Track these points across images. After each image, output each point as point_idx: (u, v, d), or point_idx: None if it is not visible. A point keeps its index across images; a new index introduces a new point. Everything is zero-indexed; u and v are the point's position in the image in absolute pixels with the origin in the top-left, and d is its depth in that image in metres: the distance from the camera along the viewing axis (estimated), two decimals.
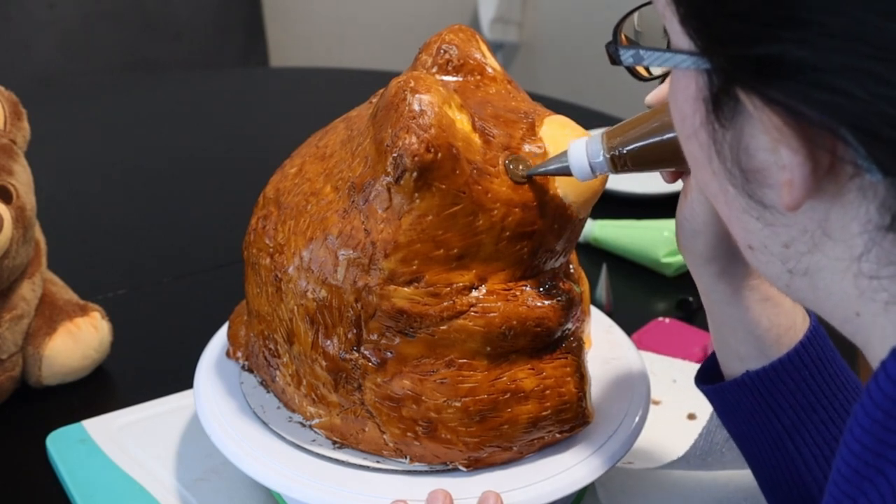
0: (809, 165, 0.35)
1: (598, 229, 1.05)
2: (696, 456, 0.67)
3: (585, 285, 0.68)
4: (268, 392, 0.65)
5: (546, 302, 0.58)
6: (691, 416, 0.78)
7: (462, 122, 0.55)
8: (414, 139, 0.53)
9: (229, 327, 0.69)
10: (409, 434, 0.59)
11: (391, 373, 0.58)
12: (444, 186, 0.54)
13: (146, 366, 0.88)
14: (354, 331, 0.57)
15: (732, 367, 0.57)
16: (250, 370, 0.67)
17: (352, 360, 0.58)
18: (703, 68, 0.37)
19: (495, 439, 0.58)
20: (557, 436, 0.60)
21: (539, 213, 0.57)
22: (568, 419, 0.60)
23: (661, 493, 0.69)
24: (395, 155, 0.53)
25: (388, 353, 0.57)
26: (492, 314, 0.57)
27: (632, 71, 0.52)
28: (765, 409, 0.55)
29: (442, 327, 0.56)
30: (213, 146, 1.37)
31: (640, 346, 0.87)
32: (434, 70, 0.62)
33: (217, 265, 1.04)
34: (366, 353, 0.58)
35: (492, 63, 0.63)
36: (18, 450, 0.77)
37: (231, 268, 1.02)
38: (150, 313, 0.96)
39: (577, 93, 2.10)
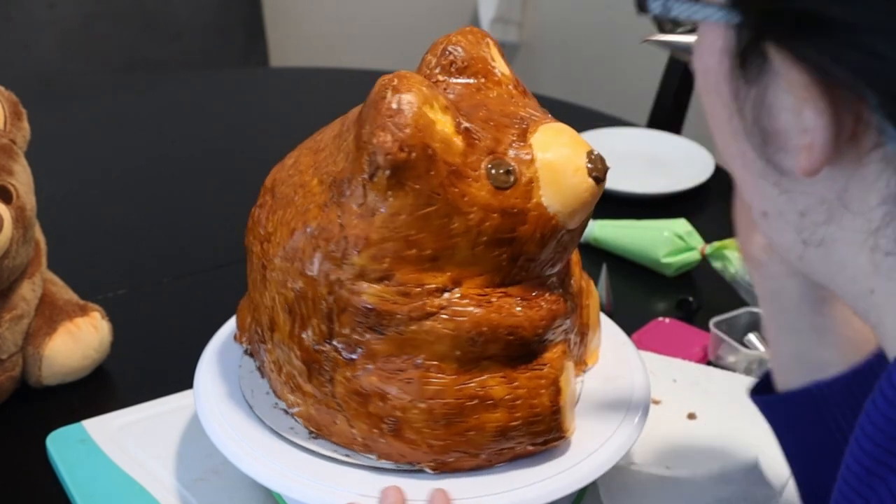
0: (832, 129, 0.34)
1: (598, 229, 1.05)
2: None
3: (592, 298, 0.68)
4: (262, 378, 0.66)
5: (523, 311, 0.58)
6: (691, 416, 0.78)
7: (443, 123, 0.55)
8: (389, 137, 0.53)
9: (238, 311, 0.70)
10: (374, 430, 0.59)
11: (360, 368, 0.58)
12: (417, 186, 0.54)
13: (146, 366, 0.88)
14: (327, 323, 0.58)
15: (800, 378, 0.53)
16: (251, 354, 0.68)
17: (324, 353, 0.59)
18: (734, 22, 0.36)
19: (461, 445, 0.58)
20: (529, 448, 0.59)
21: (519, 221, 0.56)
22: (540, 432, 0.59)
23: (661, 493, 0.69)
24: (370, 152, 0.54)
25: (359, 349, 0.58)
26: (462, 318, 0.57)
27: (658, 22, 0.51)
28: (831, 421, 0.51)
29: (411, 327, 0.57)
30: (212, 146, 1.37)
31: (640, 346, 0.87)
32: (437, 70, 0.62)
33: (217, 265, 1.04)
34: (337, 346, 0.58)
35: (500, 66, 0.63)
36: (18, 450, 0.77)
37: (231, 268, 1.02)
38: (150, 313, 0.96)
39: (577, 93, 2.10)
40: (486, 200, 0.56)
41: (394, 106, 0.54)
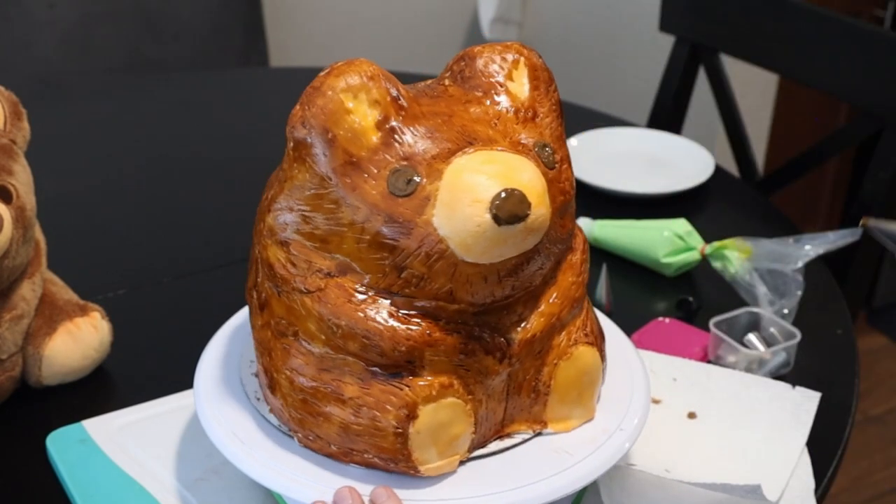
0: None
1: (597, 229, 1.05)
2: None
3: (572, 365, 0.62)
4: None
5: (388, 322, 0.57)
6: (691, 415, 0.78)
7: (363, 115, 0.56)
8: (298, 112, 0.56)
9: None
10: (263, 381, 0.62)
11: (265, 320, 0.61)
12: (314, 167, 0.57)
13: (146, 366, 0.88)
14: (255, 270, 0.62)
15: None
16: None
17: (251, 297, 0.63)
18: None
19: (314, 427, 0.59)
20: (377, 461, 0.59)
21: (403, 232, 0.55)
22: (385, 449, 0.58)
23: (661, 493, 0.69)
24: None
25: (266, 302, 0.61)
26: (328, 304, 0.58)
27: None
28: None
29: (294, 297, 0.59)
30: (212, 146, 1.37)
31: (640, 345, 0.87)
32: (447, 74, 0.63)
33: (217, 265, 1.04)
34: (258, 293, 0.62)
35: (517, 89, 0.61)
36: (18, 450, 0.77)
37: (231, 268, 1.02)
38: (150, 313, 0.96)
39: (577, 93, 2.10)
40: (374, 200, 0.56)
41: (316, 85, 0.56)
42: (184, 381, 0.72)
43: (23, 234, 0.78)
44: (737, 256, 0.94)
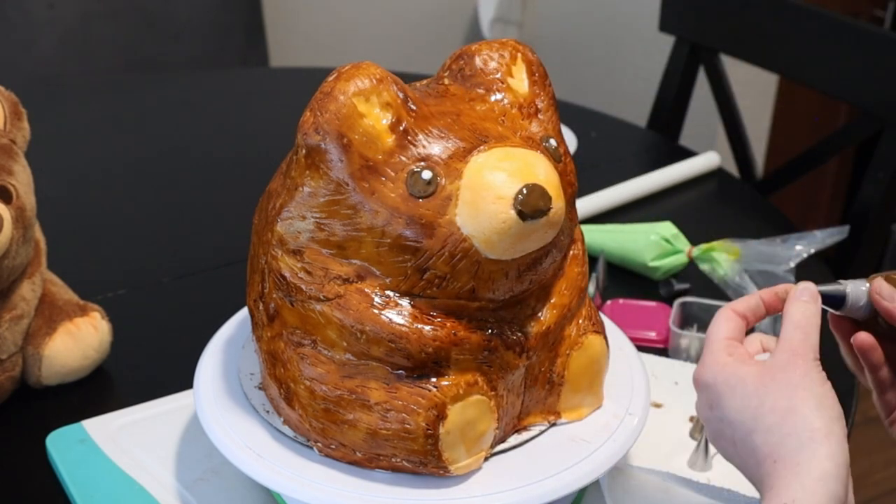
0: None
1: (583, 234, 1.04)
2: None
3: (583, 354, 0.63)
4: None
5: (412, 323, 0.57)
6: (693, 419, 0.78)
7: (376, 118, 0.56)
8: (310, 119, 0.56)
9: None
10: (277, 393, 0.61)
11: (276, 331, 0.61)
12: (329, 172, 0.56)
13: (146, 366, 0.88)
14: (261, 281, 0.61)
15: None
16: None
17: (258, 309, 0.62)
18: None
19: (338, 435, 0.59)
20: (406, 465, 0.59)
21: (425, 233, 0.55)
22: (415, 451, 0.58)
23: (664, 496, 0.69)
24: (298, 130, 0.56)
25: (277, 313, 0.60)
26: (350, 310, 0.57)
27: None
28: None
29: (310, 306, 0.58)
30: (213, 146, 1.37)
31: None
32: (446, 74, 0.62)
33: (217, 265, 1.04)
34: (266, 304, 0.61)
35: (518, 84, 0.61)
36: (18, 450, 0.77)
37: (231, 268, 1.02)
38: (150, 313, 0.96)
39: (577, 93, 2.10)
40: (394, 203, 0.55)
41: (326, 90, 0.55)
42: (184, 381, 0.72)
43: (23, 234, 0.78)
44: (725, 258, 0.94)
